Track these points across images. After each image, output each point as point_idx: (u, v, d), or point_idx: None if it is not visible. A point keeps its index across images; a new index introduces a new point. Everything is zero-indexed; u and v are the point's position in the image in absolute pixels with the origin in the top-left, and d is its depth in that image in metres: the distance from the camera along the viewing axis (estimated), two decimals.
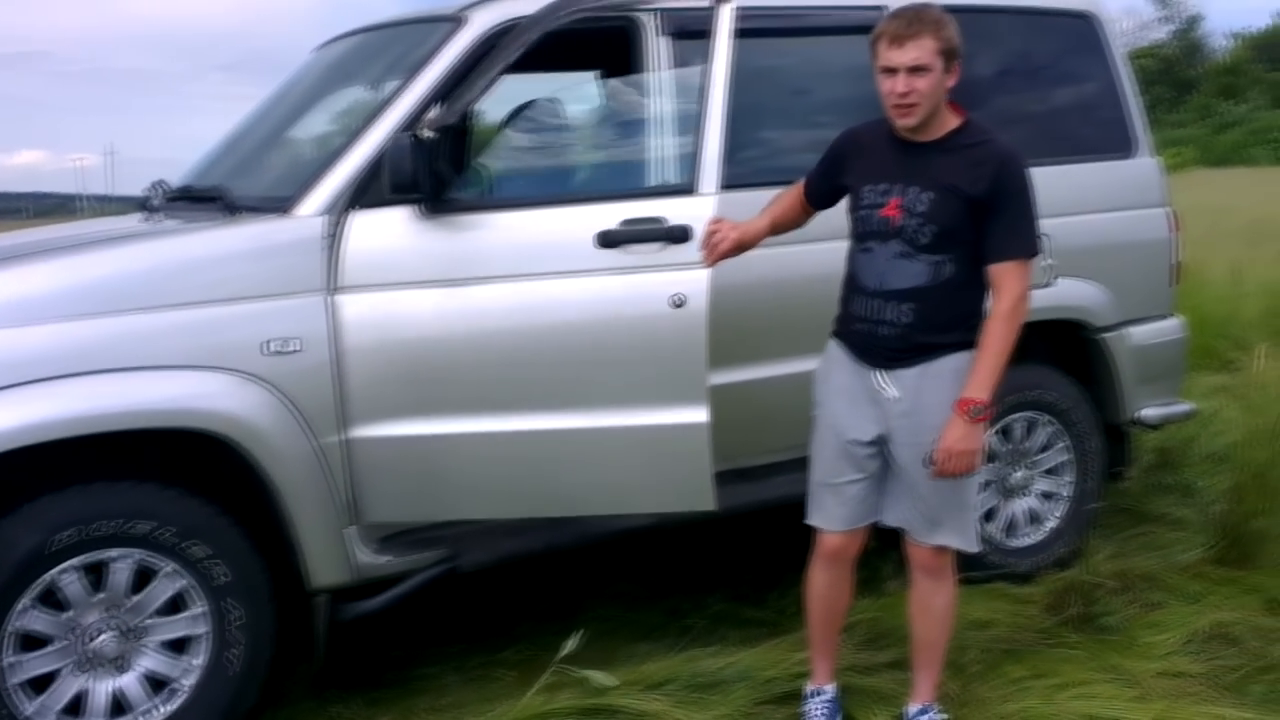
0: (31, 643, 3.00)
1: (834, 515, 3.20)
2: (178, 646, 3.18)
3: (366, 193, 3.33)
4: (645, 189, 3.59)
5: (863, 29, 3.89)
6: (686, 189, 3.40)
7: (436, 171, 3.24)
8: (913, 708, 3.29)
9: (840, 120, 4.21)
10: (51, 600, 3.01)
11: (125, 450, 3.11)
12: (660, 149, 3.66)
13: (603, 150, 4.54)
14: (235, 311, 3.17)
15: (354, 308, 3.27)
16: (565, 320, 3.37)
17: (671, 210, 3.38)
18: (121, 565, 3.06)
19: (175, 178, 4.16)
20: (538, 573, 4.34)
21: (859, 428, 3.11)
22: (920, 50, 2.88)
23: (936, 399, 3.02)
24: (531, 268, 3.39)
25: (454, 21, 3.63)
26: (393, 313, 3.32)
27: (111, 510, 3.02)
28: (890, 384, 3.07)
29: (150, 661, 3.15)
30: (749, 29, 3.79)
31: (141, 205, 4.02)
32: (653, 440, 3.37)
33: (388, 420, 3.32)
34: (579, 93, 4.87)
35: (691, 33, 3.84)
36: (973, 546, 3.20)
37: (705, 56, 3.46)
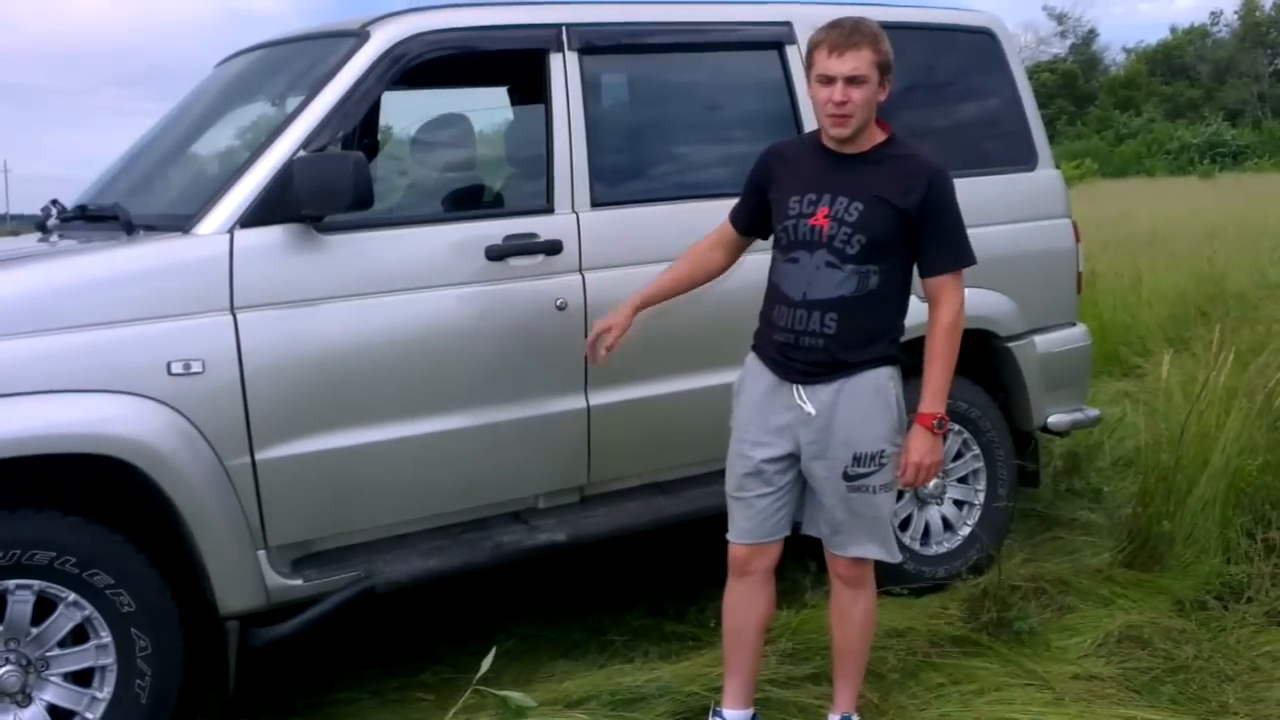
0: None
1: (741, 528, 3.20)
2: (82, 678, 3.07)
3: (268, 210, 3.28)
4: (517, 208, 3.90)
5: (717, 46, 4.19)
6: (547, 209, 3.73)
7: (360, 186, 3.22)
8: (834, 718, 3.30)
9: (737, 134, 4.37)
10: None
11: (21, 477, 3.02)
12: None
13: (492, 170, 4.59)
14: (136, 333, 3.09)
15: (256, 326, 3.22)
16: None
17: (541, 227, 3.69)
18: (22, 596, 2.95)
19: (72, 195, 4.06)
20: (454, 593, 4.29)
21: (769, 444, 3.12)
22: (859, 61, 2.93)
23: (852, 415, 3.04)
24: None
25: (357, 37, 3.60)
26: (295, 330, 3.29)
27: (9, 540, 2.91)
28: (808, 400, 3.07)
29: (53, 694, 3.04)
30: (613, 45, 3.93)
31: (38, 225, 3.90)
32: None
33: (294, 437, 3.28)
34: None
35: (600, 49, 3.89)
36: (894, 557, 3.22)
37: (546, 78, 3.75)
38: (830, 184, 3.03)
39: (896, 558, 3.24)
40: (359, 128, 3.82)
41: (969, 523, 4.53)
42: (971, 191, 4.47)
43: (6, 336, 2.96)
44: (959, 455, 4.52)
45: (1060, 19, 63.88)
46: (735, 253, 3.37)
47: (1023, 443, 4.73)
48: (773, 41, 4.26)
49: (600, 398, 3.81)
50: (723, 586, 3.31)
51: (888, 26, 4.43)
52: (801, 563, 4.39)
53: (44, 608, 3.01)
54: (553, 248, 3.70)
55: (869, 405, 3.04)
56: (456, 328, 3.56)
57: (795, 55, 4.22)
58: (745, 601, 3.26)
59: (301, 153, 3.31)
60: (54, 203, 3.91)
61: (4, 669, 2.96)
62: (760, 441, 3.13)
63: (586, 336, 3.63)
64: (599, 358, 3.32)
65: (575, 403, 3.77)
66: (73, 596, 3.01)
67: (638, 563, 4.62)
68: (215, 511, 3.15)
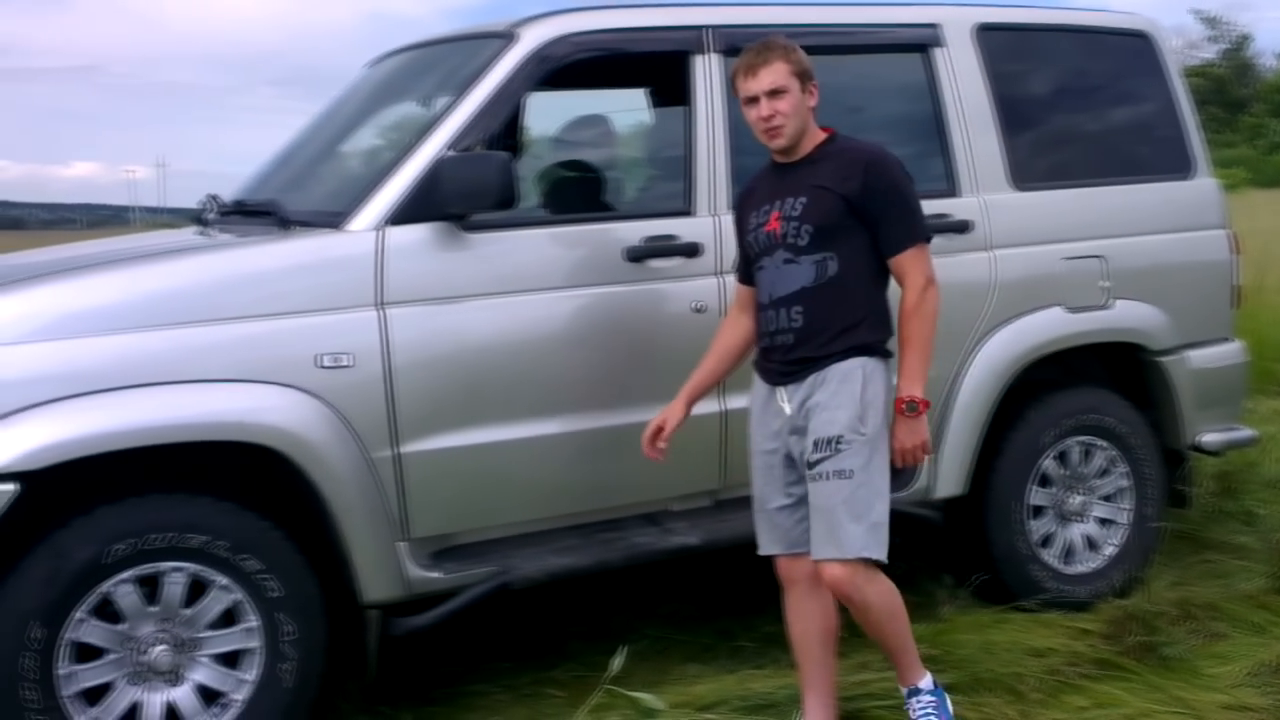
0: (86, 654, 3.01)
1: (763, 540, 3.26)
2: (230, 660, 3.17)
3: (416, 208, 3.35)
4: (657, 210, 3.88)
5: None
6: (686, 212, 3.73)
7: (505, 185, 3.27)
8: (903, 690, 3.27)
9: (878, 139, 4.30)
10: (106, 612, 3.01)
11: (179, 463, 3.13)
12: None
13: (633, 171, 4.60)
14: (289, 325, 3.19)
15: (402, 322, 3.29)
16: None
17: (680, 229, 3.70)
18: (175, 578, 3.06)
19: (224, 190, 4.19)
20: (587, 592, 4.31)
21: (772, 452, 3.18)
22: (774, 74, 3.06)
23: (818, 403, 3.06)
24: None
25: (505, 38, 3.65)
26: (439, 326, 3.35)
27: (166, 523, 3.02)
28: (786, 401, 3.13)
29: (203, 674, 3.14)
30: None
31: (196, 219, 4.04)
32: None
33: (437, 432, 3.34)
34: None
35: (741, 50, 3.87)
36: (846, 553, 3.00)
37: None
38: (778, 191, 3.14)
39: (855, 553, 3.00)
40: (504, 128, 3.86)
41: (1114, 542, 4.38)
42: (1123, 200, 4.42)
43: (166, 327, 3.07)
44: (1105, 472, 4.38)
45: (1212, 22, 61.53)
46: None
47: (1173, 462, 4.56)
48: (919, 44, 4.19)
49: (737, 402, 3.78)
50: None
51: (1042, 29, 4.43)
52: (935, 575, 4.34)
53: (196, 590, 3.11)
54: (692, 250, 3.70)
55: (832, 392, 3.05)
56: (594, 328, 3.58)
57: (943, 59, 4.16)
58: (797, 612, 3.25)
59: (449, 152, 3.37)
60: (212, 197, 4.04)
61: (158, 648, 3.07)
62: (764, 450, 3.20)
63: None
64: (656, 452, 3.32)
65: (710, 406, 3.74)
66: (223, 580, 3.10)
67: (769, 569, 4.58)
68: (360, 502, 3.23)
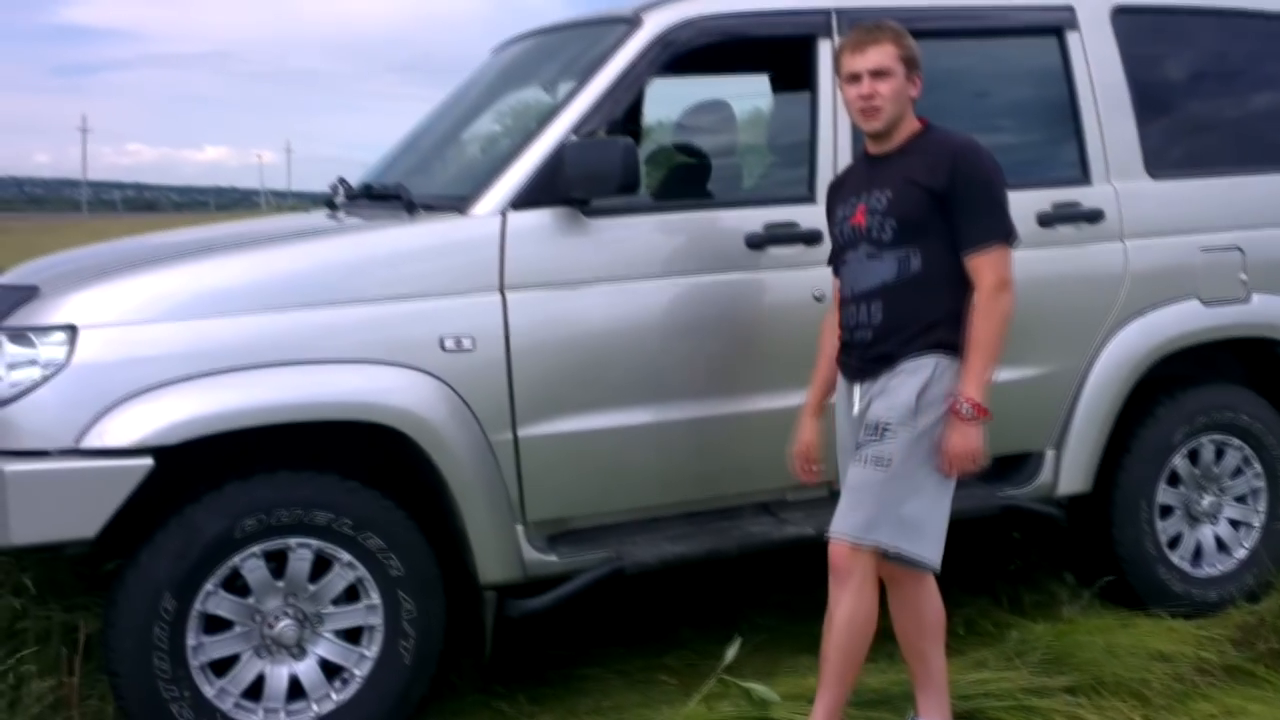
0: (215, 625, 3.11)
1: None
2: (352, 636, 3.24)
3: (539, 193, 3.37)
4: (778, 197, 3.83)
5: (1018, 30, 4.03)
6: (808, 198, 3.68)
7: (628, 170, 3.27)
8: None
9: (1006, 124, 4.20)
10: (235, 585, 3.11)
11: (306, 441, 3.20)
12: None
13: (753, 157, 4.56)
14: (413, 308, 3.23)
15: (523, 306, 3.31)
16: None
17: (800, 216, 3.64)
18: (301, 554, 3.14)
19: (348, 174, 4.27)
20: (700, 580, 4.30)
21: (849, 450, 3.09)
22: (882, 55, 2.99)
23: (883, 388, 2.98)
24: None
25: (629, 23, 3.64)
26: (559, 311, 3.37)
27: (293, 500, 3.10)
28: (858, 399, 3.07)
29: (326, 649, 3.22)
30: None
31: (326, 202, 4.13)
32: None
33: (555, 416, 3.36)
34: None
35: None
36: (857, 538, 2.92)
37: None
38: (867, 184, 3.07)
39: (864, 540, 2.92)
40: (627, 113, 3.86)
41: (1246, 545, 4.23)
42: (1264, 190, 4.27)
43: (295, 308, 3.14)
44: (1238, 472, 4.23)
45: None
46: None
47: None
48: (1053, 27, 4.07)
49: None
50: (970, 593, 3.20)
51: (1178, 11, 4.27)
52: (1057, 575, 4.24)
53: (320, 567, 3.19)
54: (813, 238, 3.65)
55: (896, 381, 2.96)
56: (713, 315, 3.56)
57: (1077, 42, 4.04)
58: (903, 609, 3.15)
59: (573, 137, 3.38)
60: (341, 181, 4.12)
61: (284, 622, 3.15)
62: (847, 447, 3.11)
63: None
64: (810, 475, 3.27)
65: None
66: (347, 557, 3.17)
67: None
68: (479, 484, 3.26)
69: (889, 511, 2.92)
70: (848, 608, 2.98)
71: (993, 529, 4.23)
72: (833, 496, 3.85)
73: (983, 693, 3.35)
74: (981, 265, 2.96)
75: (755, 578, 4.40)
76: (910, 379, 2.95)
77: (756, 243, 3.61)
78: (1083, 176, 4.02)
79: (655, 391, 3.49)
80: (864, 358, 3.05)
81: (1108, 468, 4.04)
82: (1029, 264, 3.86)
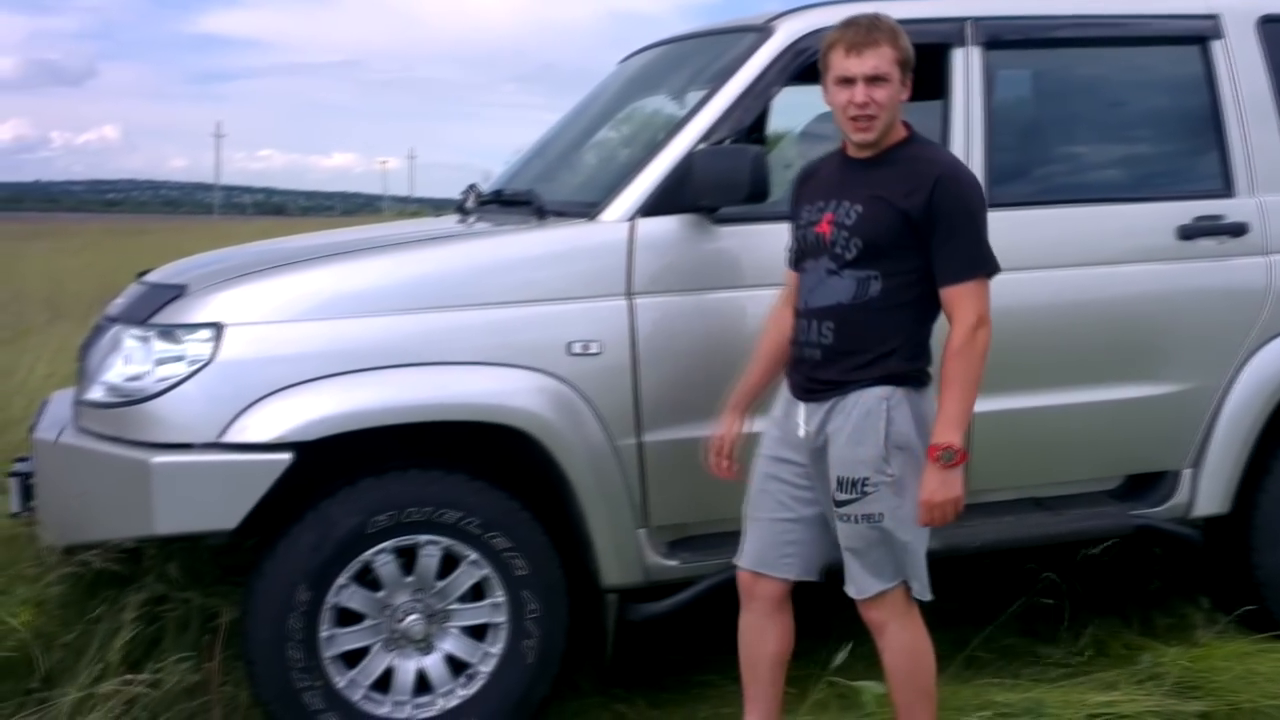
0: (347, 618, 3.19)
1: (744, 550, 3.05)
2: (478, 633, 3.31)
3: (667, 200, 3.39)
4: None
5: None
6: None
7: (757, 179, 3.27)
8: None
9: (1145, 134, 4.10)
10: (367, 579, 3.19)
11: (435, 441, 3.27)
12: None
13: None
14: (542, 312, 3.28)
15: (650, 312, 3.33)
16: None
17: None
18: (430, 551, 3.21)
19: (467, 180, 4.35)
20: (814, 591, 4.26)
21: (782, 461, 2.98)
22: (880, 59, 2.78)
23: (837, 436, 2.84)
24: None
25: (760, 32, 3.64)
26: (685, 317, 3.38)
27: (424, 498, 3.17)
28: (803, 420, 2.92)
29: (452, 645, 3.29)
30: (1019, 39, 3.80)
31: (457, 208, 4.21)
32: None
33: (679, 423, 3.37)
34: None
35: (1005, 43, 3.76)
36: (901, 577, 2.90)
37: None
38: (838, 189, 2.88)
39: (910, 579, 2.90)
40: (755, 122, 3.86)
41: None
42: None
43: (428, 310, 3.21)
44: None
45: None
46: None
47: None
48: (1196, 36, 3.96)
49: (983, 405, 3.65)
50: (1101, 613, 3.12)
51: None
52: (1191, 598, 4.11)
53: (448, 564, 3.25)
54: None
55: (854, 426, 2.81)
56: None
57: (1221, 51, 3.92)
58: (753, 632, 3.08)
59: (702, 145, 3.39)
60: (471, 187, 4.20)
61: (412, 617, 3.23)
62: (771, 456, 3.00)
63: None
64: (723, 470, 3.13)
65: None
66: (474, 555, 3.23)
67: (1010, 579, 4.43)
68: (603, 487, 3.30)
69: (902, 561, 2.89)
70: (897, 649, 2.96)
71: (1122, 549, 4.12)
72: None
73: (1113, 714, 3.26)
74: (960, 300, 2.78)
75: None
76: (867, 423, 2.80)
77: None
78: (1225, 189, 3.90)
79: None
80: (810, 378, 2.90)
81: (1247, 489, 3.90)
82: (1167, 277, 3.81)
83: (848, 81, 2.80)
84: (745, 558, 3.06)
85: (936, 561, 3.67)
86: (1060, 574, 4.04)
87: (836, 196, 2.88)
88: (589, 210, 3.45)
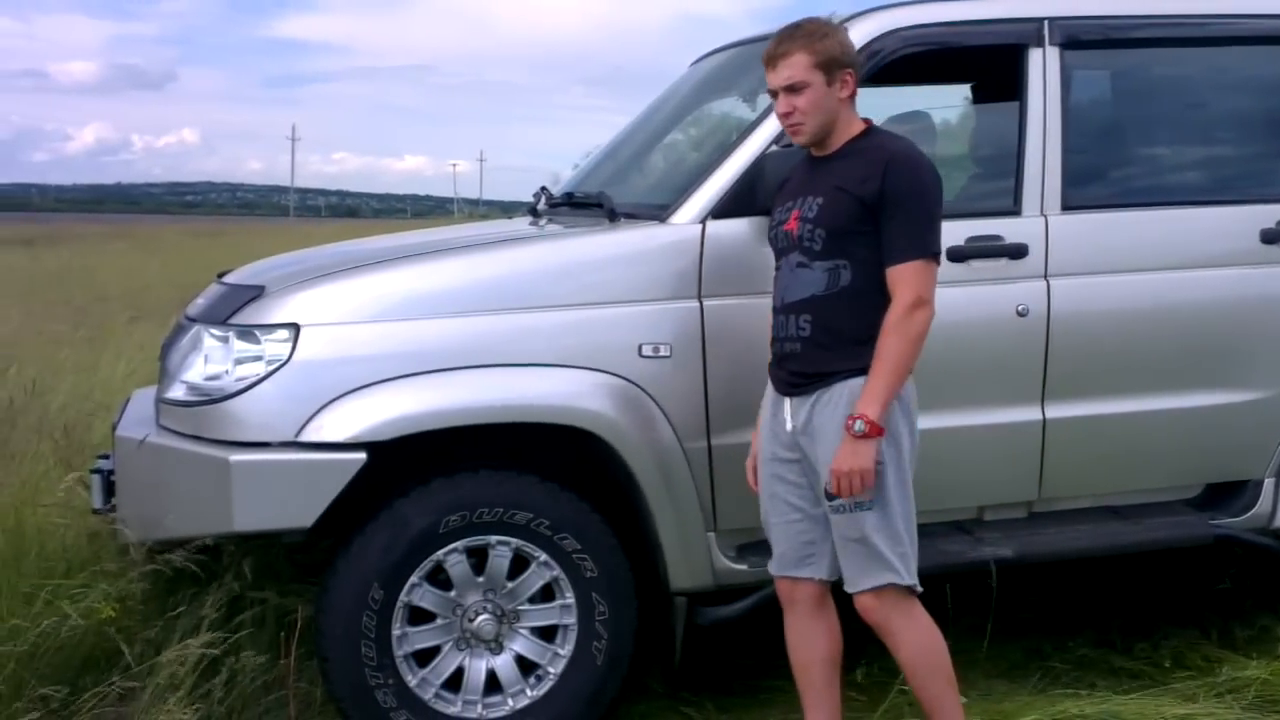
0: (419, 617, 3.22)
1: (773, 557, 3.09)
2: (547, 634, 3.32)
3: (738, 203, 3.38)
4: (980, 210, 3.72)
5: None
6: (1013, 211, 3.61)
7: None
8: None
9: (1227, 136, 4.01)
10: (438, 579, 3.22)
11: (505, 442, 3.29)
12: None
13: (953, 169, 4.48)
14: (613, 314, 3.29)
15: (720, 315, 3.33)
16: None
17: (1005, 229, 3.58)
18: (501, 551, 3.23)
19: (535, 183, 4.37)
20: None
21: (779, 462, 3.00)
22: (792, 68, 2.85)
23: (826, 426, 2.86)
24: None
25: None
26: (756, 320, 3.34)
27: (495, 499, 3.19)
28: (789, 415, 2.95)
29: (522, 645, 3.31)
30: (1098, 40, 3.74)
31: (530, 210, 4.24)
32: None
33: (748, 425, 3.34)
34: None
35: (1083, 44, 3.71)
36: (901, 578, 2.88)
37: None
38: (803, 188, 2.96)
39: (904, 579, 2.89)
40: None
41: None
42: None
43: (500, 311, 3.23)
44: None
45: None
46: None
47: None
48: None
49: (1058, 411, 3.64)
50: (1179, 624, 3.06)
51: None
52: (1274, 608, 4.02)
53: (518, 565, 3.27)
54: (1017, 251, 3.57)
55: (841, 414, 2.82)
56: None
57: None
58: (798, 636, 3.08)
59: (773, 148, 3.38)
60: (543, 189, 4.23)
61: (483, 617, 3.25)
62: (775, 458, 3.01)
63: (1048, 346, 3.53)
64: (756, 484, 3.13)
65: (1030, 414, 3.62)
66: (544, 557, 3.25)
67: (1085, 588, 4.37)
68: (672, 490, 3.30)
69: (892, 549, 2.87)
70: (910, 645, 2.94)
71: (1201, 559, 4.04)
72: (1031, 518, 3.77)
73: None
74: (900, 279, 2.81)
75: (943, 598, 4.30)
76: (852, 409, 2.82)
77: (958, 255, 3.54)
78: None
79: None
80: (793, 372, 2.94)
81: None
82: (1250, 282, 3.74)
83: (774, 94, 2.93)
84: (773, 564, 3.10)
85: (1012, 569, 3.65)
86: (1137, 584, 3.98)
87: (802, 194, 2.95)
88: (660, 212, 3.45)
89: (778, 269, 3.02)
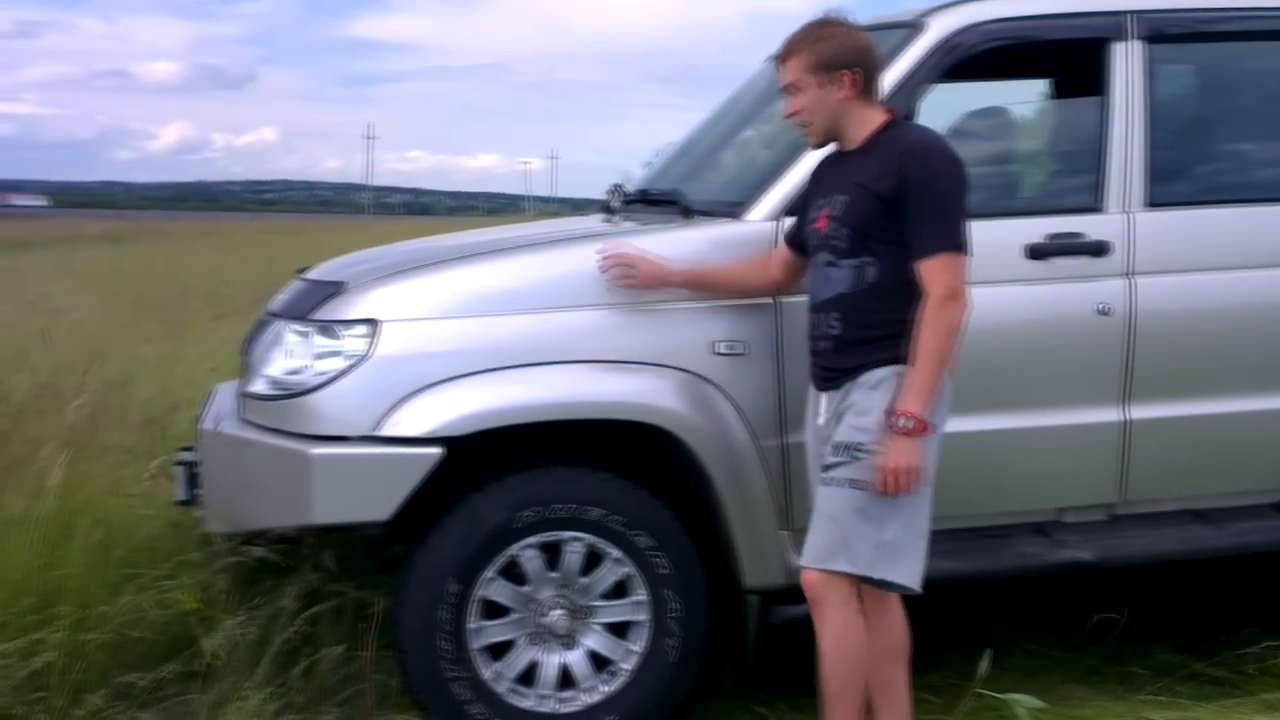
0: (493, 611, 3.25)
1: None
2: (620, 630, 3.33)
3: None
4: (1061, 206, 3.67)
5: None
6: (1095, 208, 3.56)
7: None
8: None
9: None
10: (512, 574, 3.24)
11: (579, 438, 3.30)
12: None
13: (1033, 165, 4.41)
14: (688, 311, 3.28)
15: (796, 312, 3.27)
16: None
17: (1087, 226, 3.52)
18: (575, 547, 3.25)
19: (606, 181, 4.38)
20: (961, 598, 4.19)
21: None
22: (789, 72, 2.93)
23: (852, 403, 2.88)
24: None
25: (911, 27, 3.59)
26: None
27: (569, 495, 3.21)
28: (823, 409, 2.99)
29: (595, 641, 3.32)
30: (1185, 33, 3.67)
31: (603, 207, 4.24)
32: None
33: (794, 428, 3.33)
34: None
35: (1170, 37, 3.63)
36: (855, 566, 2.84)
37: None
38: (831, 185, 2.98)
39: (860, 569, 2.85)
40: (907, 119, 3.80)
41: None
42: None
43: (575, 308, 3.24)
44: None
45: None
46: (790, 272, 3.23)
47: None
48: None
49: (1142, 411, 3.57)
50: (1267, 629, 2.99)
51: None
52: None
53: (591, 561, 3.29)
54: (1099, 249, 3.52)
55: (862, 397, 2.87)
56: (992, 327, 3.44)
57: None
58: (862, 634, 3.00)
59: None
60: (617, 186, 4.23)
61: (556, 612, 3.27)
62: (820, 455, 2.99)
63: (1131, 346, 3.47)
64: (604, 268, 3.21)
65: (1112, 415, 3.56)
66: (617, 553, 3.26)
67: (1166, 592, 4.28)
68: (746, 488, 3.29)
69: (868, 536, 2.83)
70: (833, 635, 2.91)
71: None
72: (1112, 521, 3.71)
73: None
74: (930, 273, 2.81)
75: (1021, 599, 4.25)
76: (874, 394, 2.85)
77: (1038, 253, 3.49)
78: None
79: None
80: (826, 367, 2.98)
81: None
82: None
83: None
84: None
85: (1093, 573, 3.59)
86: (1220, 588, 3.90)
87: (830, 192, 2.97)
88: (734, 210, 3.44)
89: (810, 267, 3.06)
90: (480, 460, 3.22)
